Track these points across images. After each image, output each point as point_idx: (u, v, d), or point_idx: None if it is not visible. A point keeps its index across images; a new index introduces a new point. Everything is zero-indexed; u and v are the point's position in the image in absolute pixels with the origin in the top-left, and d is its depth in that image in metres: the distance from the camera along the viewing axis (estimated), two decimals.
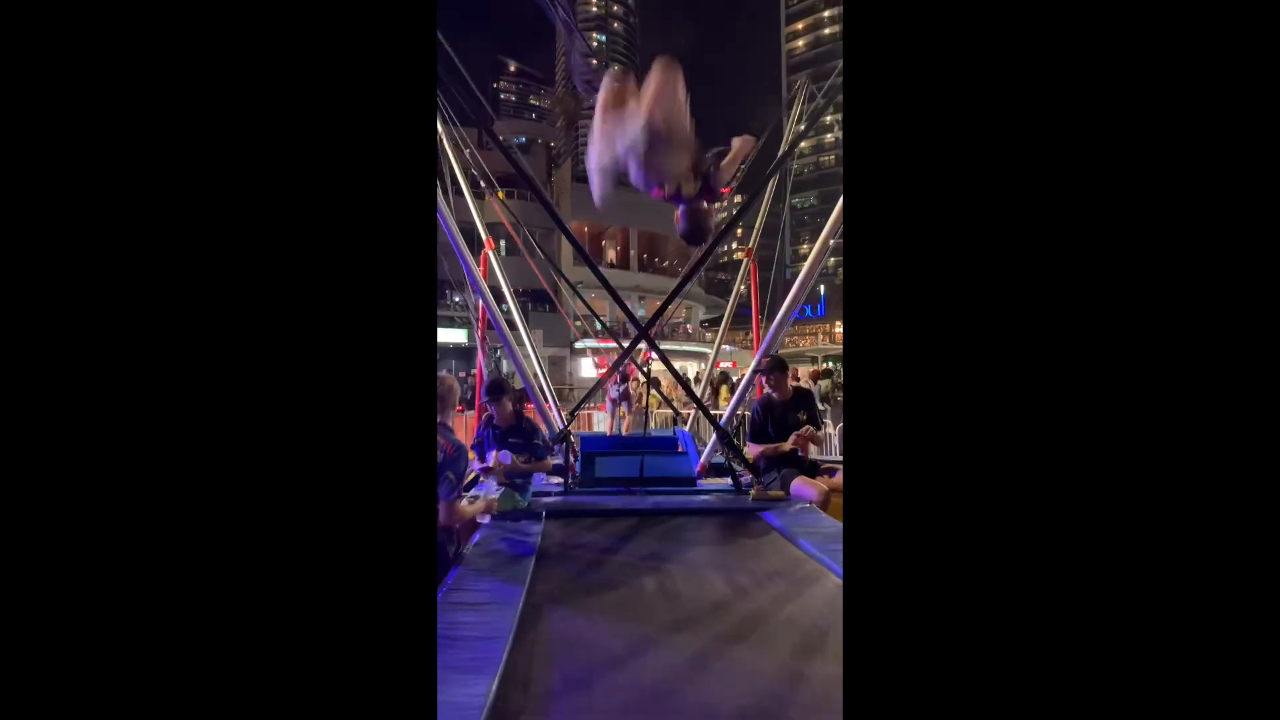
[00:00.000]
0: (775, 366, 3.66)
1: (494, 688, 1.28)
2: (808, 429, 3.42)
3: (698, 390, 6.05)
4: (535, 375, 5.11)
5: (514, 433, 3.42)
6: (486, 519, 2.91)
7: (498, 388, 3.43)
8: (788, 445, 3.42)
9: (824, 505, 3.10)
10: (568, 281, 7.59)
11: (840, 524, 2.70)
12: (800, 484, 3.32)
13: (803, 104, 6.85)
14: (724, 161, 2.15)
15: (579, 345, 17.91)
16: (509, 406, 3.38)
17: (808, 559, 2.32)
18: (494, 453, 3.27)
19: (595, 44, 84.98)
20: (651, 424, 6.72)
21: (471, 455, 3.29)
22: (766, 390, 3.72)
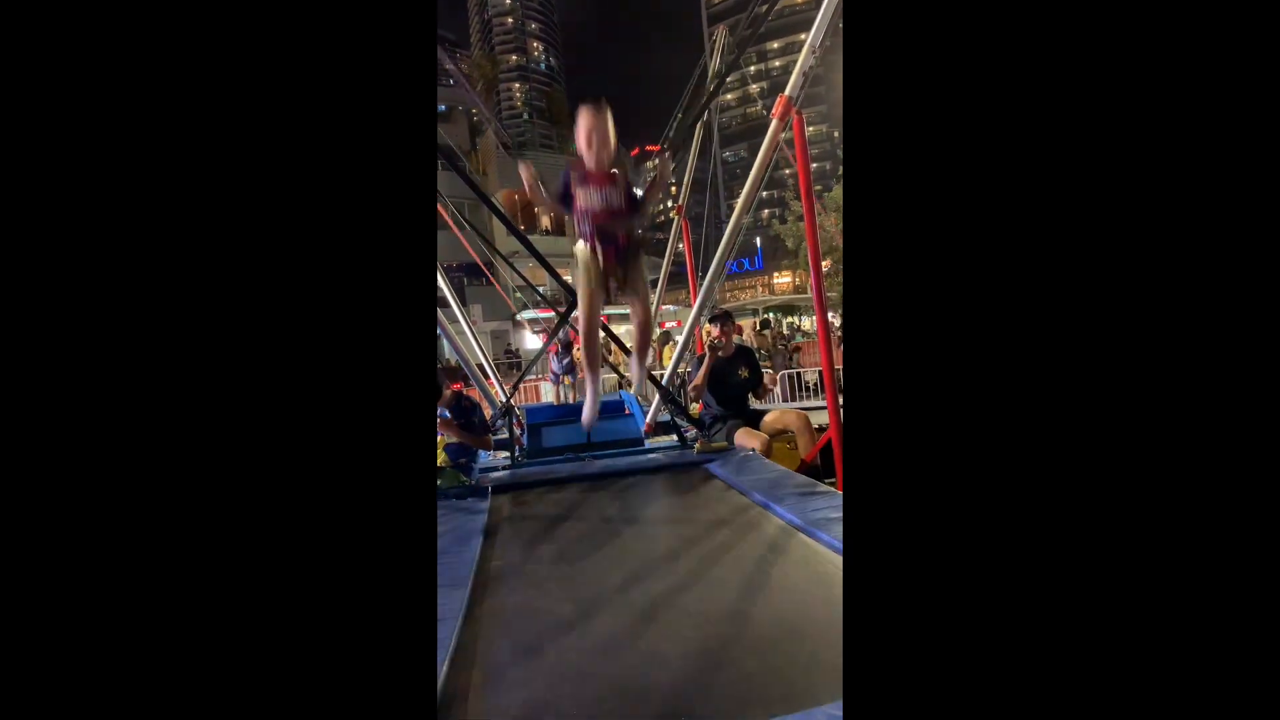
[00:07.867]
0: (722, 318, 3.80)
1: (445, 668, 1.28)
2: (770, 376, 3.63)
3: None
4: (473, 353, 5.00)
5: (454, 413, 3.36)
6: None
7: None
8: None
9: (766, 454, 3.21)
10: (499, 254, 7.32)
11: (781, 469, 2.80)
12: (743, 435, 3.43)
13: (721, 55, 6.78)
14: (649, 189, 2.03)
15: (521, 317, 17.61)
16: (446, 390, 3.32)
17: (751, 505, 2.40)
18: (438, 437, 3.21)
19: (509, 2, 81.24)
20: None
21: None
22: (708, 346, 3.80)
